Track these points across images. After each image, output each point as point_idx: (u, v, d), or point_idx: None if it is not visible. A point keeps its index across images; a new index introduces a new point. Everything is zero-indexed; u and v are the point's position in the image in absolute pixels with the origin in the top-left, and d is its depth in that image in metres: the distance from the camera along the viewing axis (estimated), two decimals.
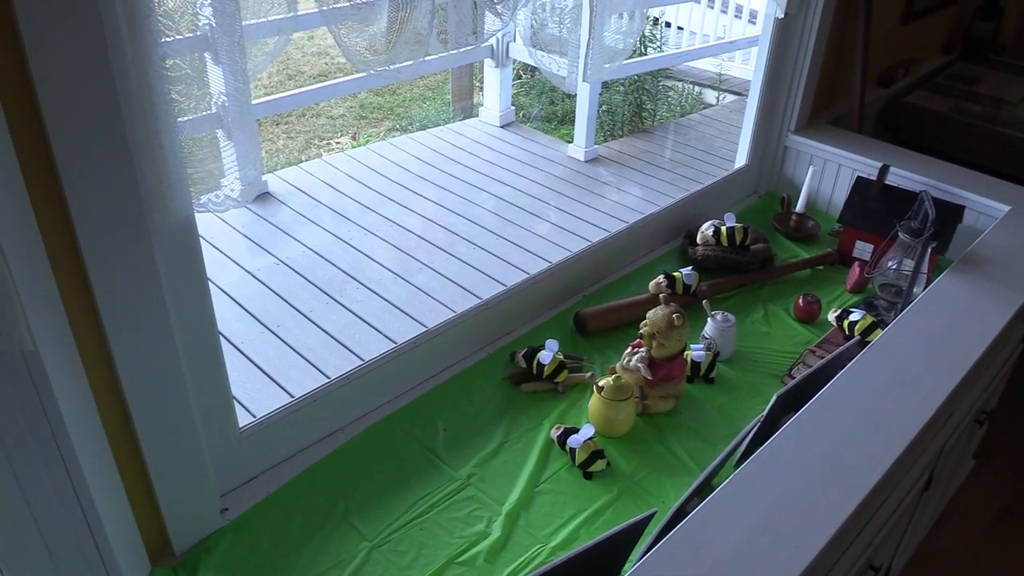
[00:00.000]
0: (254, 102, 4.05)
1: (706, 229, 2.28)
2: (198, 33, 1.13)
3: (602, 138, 5.60)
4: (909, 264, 2.03)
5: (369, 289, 3.57)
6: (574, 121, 5.15)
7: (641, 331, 1.72)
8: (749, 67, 6.82)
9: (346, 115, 6.69)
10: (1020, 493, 2.75)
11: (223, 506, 1.49)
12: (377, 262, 3.80)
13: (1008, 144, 2.97)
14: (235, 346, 3.17)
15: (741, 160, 2.68)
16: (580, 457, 1.59)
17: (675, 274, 2.07)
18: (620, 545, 1.21)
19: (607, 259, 2.22)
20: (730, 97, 6.73)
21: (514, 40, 5.32)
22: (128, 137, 1.07)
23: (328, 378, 1.66)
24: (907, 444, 1.41)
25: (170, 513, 1.36)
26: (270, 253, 3.81)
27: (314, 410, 1.61)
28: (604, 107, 5.81)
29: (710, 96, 6.78)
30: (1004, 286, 1.90)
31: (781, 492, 1.29)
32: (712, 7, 7.05)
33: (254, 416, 1.54)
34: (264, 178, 4.33)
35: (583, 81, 1.74)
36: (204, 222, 3.99)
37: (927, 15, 3.22)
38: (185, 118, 1.13)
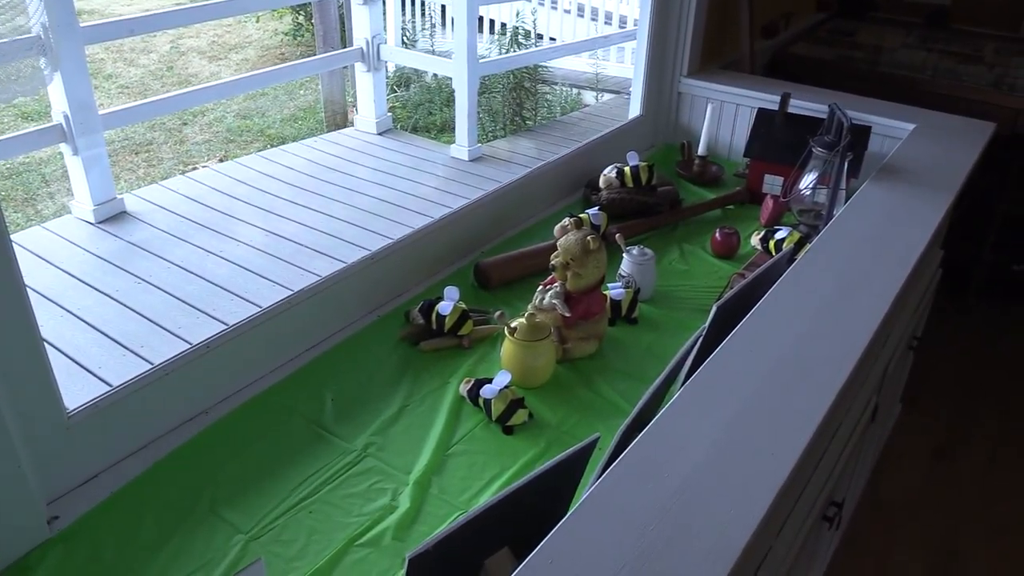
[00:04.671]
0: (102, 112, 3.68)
1: (608, 172, 2.08)
2: None
3: (485, 139, 5.42)
4: (824, 192, 1.90)
5: (245, 300, 3.23)
6: (455, 129, 4.94)
7: (553, 262, 1.50)
8: (624, 66, 6.82)
9: (212, 140, 6.29)
10: (950, 432, 2.66)
11: (52, 514, 1.17)
12: (254, 272, 3.46)
13: (892, 82, 2.94)
14: (91, 372, 2.77)
15: (635, 110, 2.51)
16: (497, 409, 1.34)
17: (582, 216, 1.85)
18: (564, 476, 0.97)
19: (504, 213, 1.99)
20: (608, 96, 6.69)
21: (385, 42, 5.10)
22: None
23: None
24: (867, 343, 1.22)
25: None
26: (129, 273, 3.41)
27: (166, 388, 1.31)
28: (484, 109, 5.64)
29: (588, 97, 6.73)
30: (929, 190, 1.78)
31: (744, 400, 1.07)
32: (582, 16, 7.03)
33: None
34: (120, 197, 3.92)
35: None
36: (52, 247, 3.59)
37: None
38: None
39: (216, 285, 3.35)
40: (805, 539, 1.41)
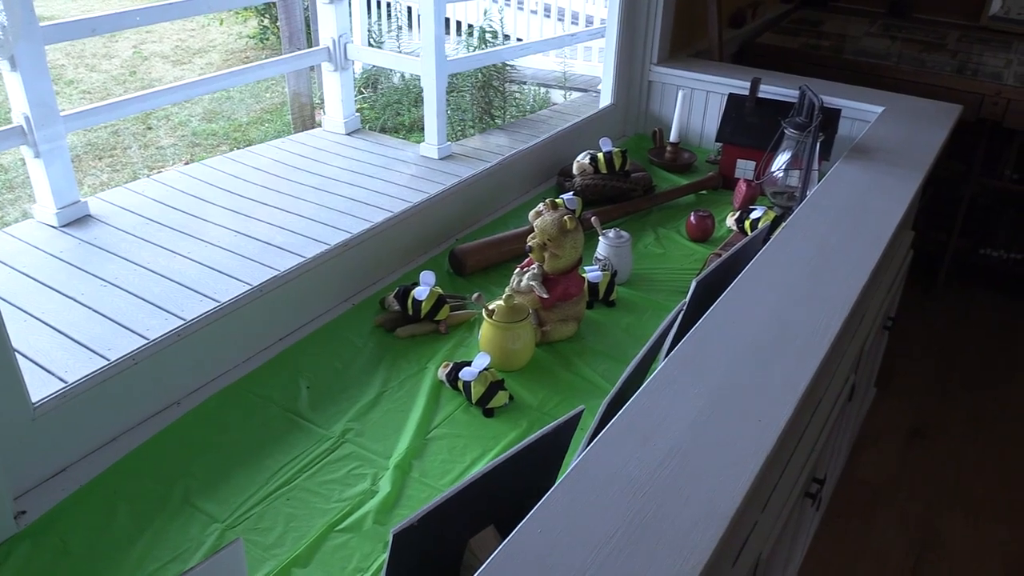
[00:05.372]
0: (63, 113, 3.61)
1: (582, 159, 2.07)
2: None
3: (454, 137, 5.39)
4: (796, 175, 1.90)
5: (213, 300, 3.17)
6: (424, 128, 4.90)
7: (530, 244, 1.48)
8: (592, 64, 6.83)
9: (177, 144, 6.20)
10: (923, 413, 2.68)
11: (19, 509, 1.13)
12: (222, 272, 3.40)
13: (858, 69, 2.97)
14: (57, 376, 2.71)
15: (606, 99, 2.51)
16: (477, 392, 1.32)
17: (556, 200, 1.84)
18: (549, 449, 0.95)
19: (478, 200, 1.97)
20: (576, 94, 6.70)
21: (351, 41, 5.06)
22: None
23: None
24: (847, 313, 1.22)
25: None
26: (94, 275, 3.34)
27: (135, 378, 1.27)
28: (453, 108, 5.62)
29: (557, 95, 6.73)
30: (900, 167, 1.79)
31: (728, 369, 1.06)
32: (549, 16, 7.04)
33: None
34: (84, 200, 3.84)
35: None
36: (13, 250, 3.51)
37: None
38: None
39: (184, 286, 3.28)
40: (789, 515, 1.41)
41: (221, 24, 8.49)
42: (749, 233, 1.81)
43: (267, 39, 7.96)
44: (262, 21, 7.99)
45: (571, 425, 0.98)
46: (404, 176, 4.56)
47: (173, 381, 1.34)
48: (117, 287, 3.26)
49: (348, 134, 5.17)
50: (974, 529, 2.25)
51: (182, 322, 1.35)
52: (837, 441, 1.92)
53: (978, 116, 2.85)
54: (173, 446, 1.25)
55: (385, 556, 0.89)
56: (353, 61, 5.15)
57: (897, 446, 2.54)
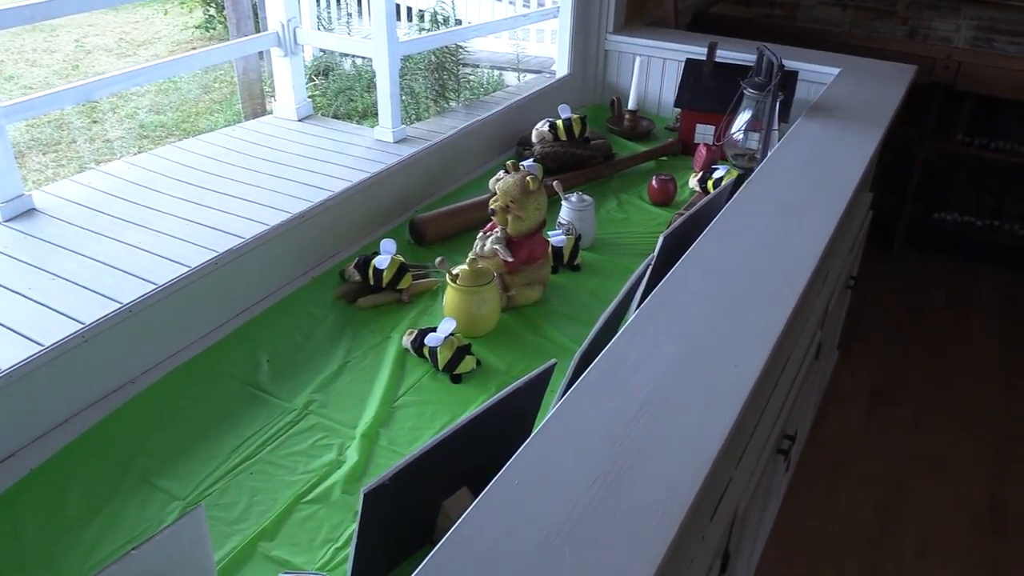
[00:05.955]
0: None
1: (541, 126, 2.04)
2: None
3: (409, 121, 5.33)
4: (756, 136, 1.90)
5: None
6: (377, 113, 4.82)
7: (492, 207, 1.45)
8: (544, 45, 6.80)
9: (125, 136, 6.04)
10: (885, 377, 2.71)
11: None
12: (175, 262, 3.31)
13: (811, 36, 2.97)
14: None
15: (563, 70, 2.48)
16: (443, 357, 1.29)
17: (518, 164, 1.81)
18: (523, 403, 0.93)
19: (437, 170, 1.93)
20: (530, 76, 6.67)
21: (300, 26, 4.96)
22: None
23: None
24: (816, 262, 1.21)
25: None
26: (42, 270, 3.23)
27: (86, 357, 1.21)
28: (407, 92, 5.55)
29: (510, 78, 6.69)
30: (860, 124, 1.79)
31: (701, 317, 1.04)
32: (500, 0, 6.99)
33: None
34: (28, 194, 3.71)
35: None
36: None
37: None
38: None
39: (137, 277, 3.19)
40: (763, 472, 1.40)
41: (166, 15, 8.28)
42: (712, 191, 1.79)
43: (214, 28, 7.78)
44: (208, 10, 7.80)
45: (543, 380, 0.95)
46: (359, 160, 4.49)
47: (126, 361, 1.28)
48: (67, 280, 3.16)
49: (300, 120, 5.07)
50: (939, 487, 2.27)
51: (133, 298, 1.29)
52: (805, 400, 1.92)
53: (930, 79, 2.87)
54: (128, 426, 1.20)
55: (356, 520, 0.86)
56: (303, 46, 5.05)
57: (861, 408, 2.56)
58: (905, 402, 2.60)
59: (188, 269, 1.36)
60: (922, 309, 3.10)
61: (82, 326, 1.22)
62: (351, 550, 0.87)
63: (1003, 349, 2.88)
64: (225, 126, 5.73)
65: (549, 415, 0.87)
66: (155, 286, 1.32)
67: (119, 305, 1.27)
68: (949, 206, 3.31)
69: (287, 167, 4.32)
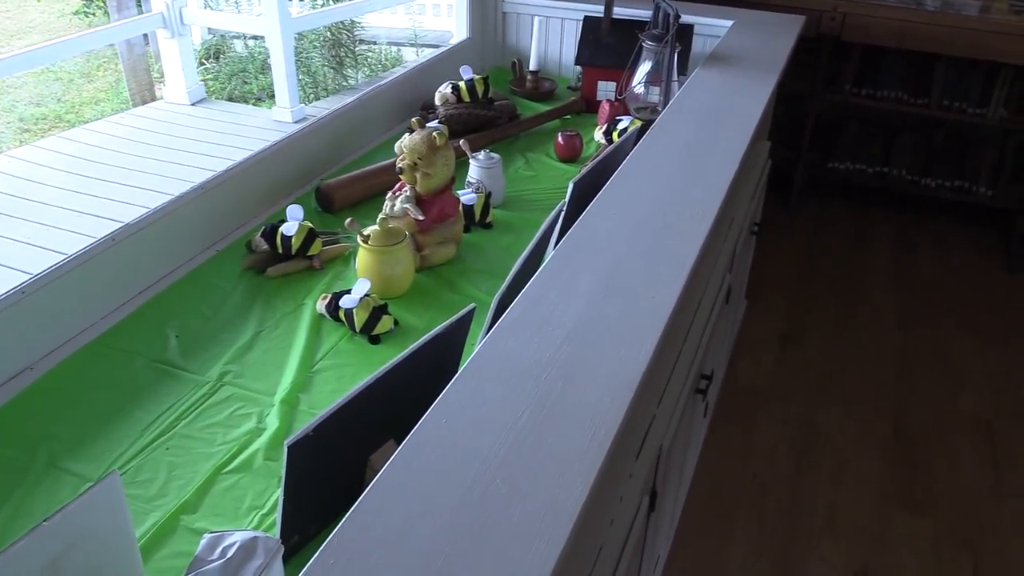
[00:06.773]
0: None
1: (444, 89, 2.02)
2: None
3: (307, 101, 5.20)
4: (656, 90, 1.92)
5: None
6: (274, 95, 4.68)
7: (400, 165, 1.43)
8: (441, 19, 6.74)
9: (3, 131, 5.71)
10: (792, 321, 2.81)
11: None
12: (68, 255, 3.15)
13: None
14: None
15: (462, 34, 2.45)
16: (360, 319, 1.26)
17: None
18: (444, 349, 0.92)
19: (341, 138, 1.89)
20: (428, 51, 6.60)
21: (187, 6, 4.76)
22: None
23: None
24: (723, 197, 1.24)
25: None
26: None
27: None
28: (304, 71, 5.42)
29: (409, 53, 6.61)
30: (755, 71, 1.83)
31: (615, 254, 1.05)
32: None
33: None
34: None
35: None
36: None
37: None
38: None
39: (28, 274, 3.02)
40: (683, 411, 1.43)
41: (39, 1, 7.84)
42: (618, 141, 1.81)
43: (92, 14, 7.40)
44: None
45: (463, 325, 0.95)
46: (257, 142, 4.36)
47: (22, 344, 1.21)
48: None
49: (193, 104, 4.89)
50: (850, 422, 2.37)
51: (26, 276, 1.22)
52: (719, 347, 1.97)
53: (818, 31, 2.97)
54: (30, 411, 1.14)
55: (281, 475, 0.84)
56: (191, 26, 4.86)
57: (771, 353, 2.65)
58: (813, 344, 2.70)
59: (85, 246, 1.30)
60: (823, 255, 3.22)
61: None
62: (278, 506, 0.85)
63: (897, 288, 3.02)
64: (112, 114, 5.48)
65: (474, 353, 0.87)
66: (51, 266, 1.25)
67: (8, 289, 1.20)
68: (842, 155, 3.44)
69: (181, 152, 4.16)
